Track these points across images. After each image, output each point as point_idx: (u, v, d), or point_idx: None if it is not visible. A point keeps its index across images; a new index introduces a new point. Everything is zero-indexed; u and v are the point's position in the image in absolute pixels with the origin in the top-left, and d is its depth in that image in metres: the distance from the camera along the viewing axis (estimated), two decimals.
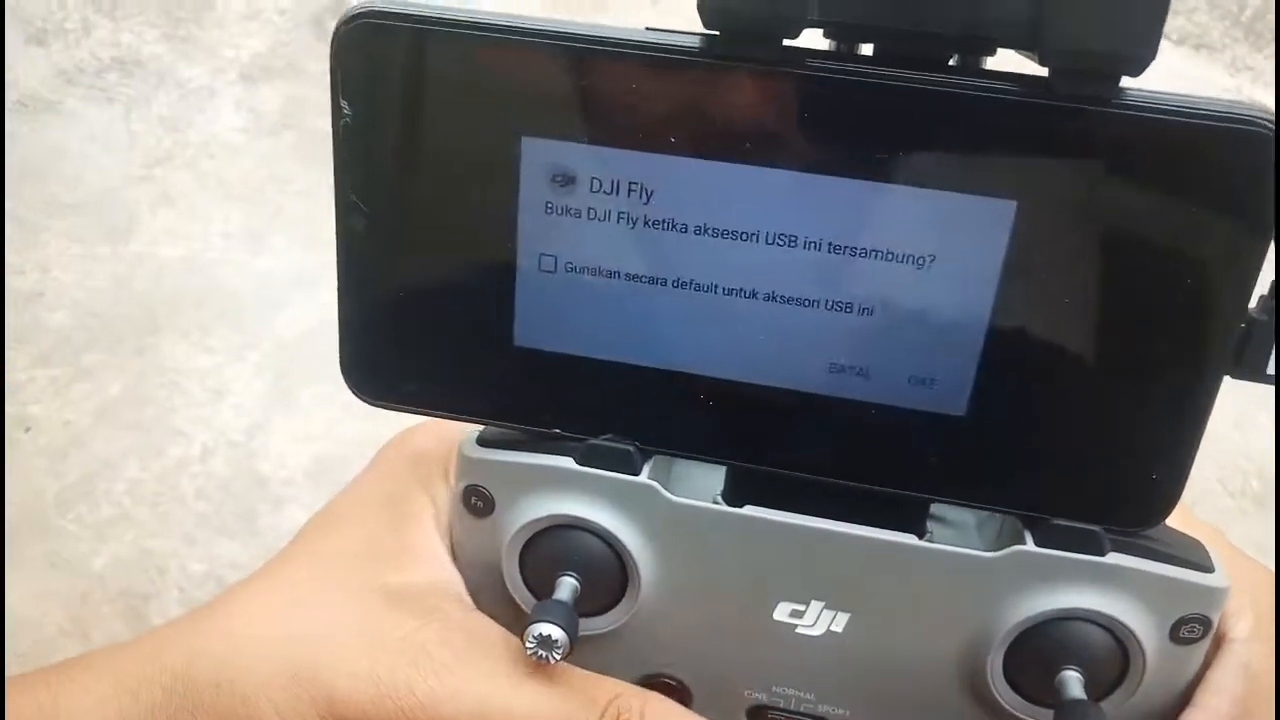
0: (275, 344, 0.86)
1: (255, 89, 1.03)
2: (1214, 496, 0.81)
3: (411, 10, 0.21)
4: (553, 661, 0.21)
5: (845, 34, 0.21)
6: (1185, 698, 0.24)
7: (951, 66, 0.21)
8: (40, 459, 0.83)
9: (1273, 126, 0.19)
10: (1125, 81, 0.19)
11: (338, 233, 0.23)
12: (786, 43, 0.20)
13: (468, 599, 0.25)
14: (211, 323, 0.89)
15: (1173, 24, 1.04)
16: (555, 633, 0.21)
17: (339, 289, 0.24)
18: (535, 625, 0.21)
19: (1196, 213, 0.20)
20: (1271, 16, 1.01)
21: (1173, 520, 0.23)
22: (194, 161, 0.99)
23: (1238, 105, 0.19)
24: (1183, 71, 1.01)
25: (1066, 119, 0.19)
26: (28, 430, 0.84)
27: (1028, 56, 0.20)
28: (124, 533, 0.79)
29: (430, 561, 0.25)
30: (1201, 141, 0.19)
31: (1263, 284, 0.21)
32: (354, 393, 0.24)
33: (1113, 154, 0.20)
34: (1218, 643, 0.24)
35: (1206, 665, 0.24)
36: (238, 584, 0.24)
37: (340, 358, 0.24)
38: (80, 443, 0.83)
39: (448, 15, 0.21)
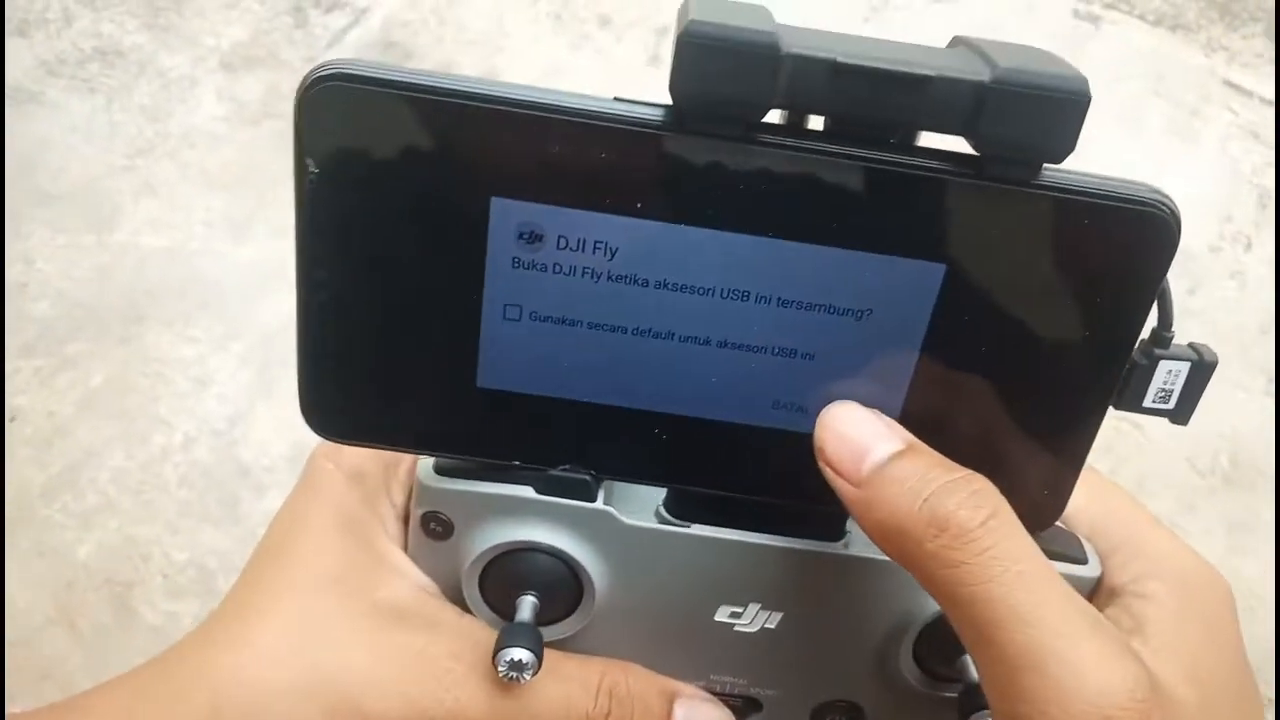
0: (258, 333, 0.87)
1: (236, 78, 1.03)
2: (1183, 474, 0.82)
3: (379, 74, 0.21)
4: (524, 681, 0.23)
5: (801, 111, 0.22)
6: None
7: (891, 143, 0.22)
8: (25, 449, 0.84)
9: (1170, 209, 0.22)
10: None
11: (299, 282, 0.24)
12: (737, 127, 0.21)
13: (449, 604, 0.26)
14: (194, 312, 0.90)
15: (1147, 5, 1.04)
16: (525, 656, 0.23)
17: (299, 333, 0.24)
18: (505, 651, 0.23)
19: (1097, 278, 0.23)
20: None
21: (1085, 485, 0.26)
22: (176, 151, 0.99)
23: (1141, 188, 0.22)
24: (1157, 52, 1.01)
25: (992, 197, 0.22)
26: (12, 420, 0.85)
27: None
28: (108, 521, 0.80)
29: (407, 572, 0.26)
30: (1108, 219, 0.22)
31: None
32: (315, 430, 0.25)
33: (1031, 227, 0.22)
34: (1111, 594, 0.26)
35: None
36: (242, 609, 0.25)
37: (300, 399, 0.25)
38: (65, 432, 0.84)
39: (415, 80, 0.21)
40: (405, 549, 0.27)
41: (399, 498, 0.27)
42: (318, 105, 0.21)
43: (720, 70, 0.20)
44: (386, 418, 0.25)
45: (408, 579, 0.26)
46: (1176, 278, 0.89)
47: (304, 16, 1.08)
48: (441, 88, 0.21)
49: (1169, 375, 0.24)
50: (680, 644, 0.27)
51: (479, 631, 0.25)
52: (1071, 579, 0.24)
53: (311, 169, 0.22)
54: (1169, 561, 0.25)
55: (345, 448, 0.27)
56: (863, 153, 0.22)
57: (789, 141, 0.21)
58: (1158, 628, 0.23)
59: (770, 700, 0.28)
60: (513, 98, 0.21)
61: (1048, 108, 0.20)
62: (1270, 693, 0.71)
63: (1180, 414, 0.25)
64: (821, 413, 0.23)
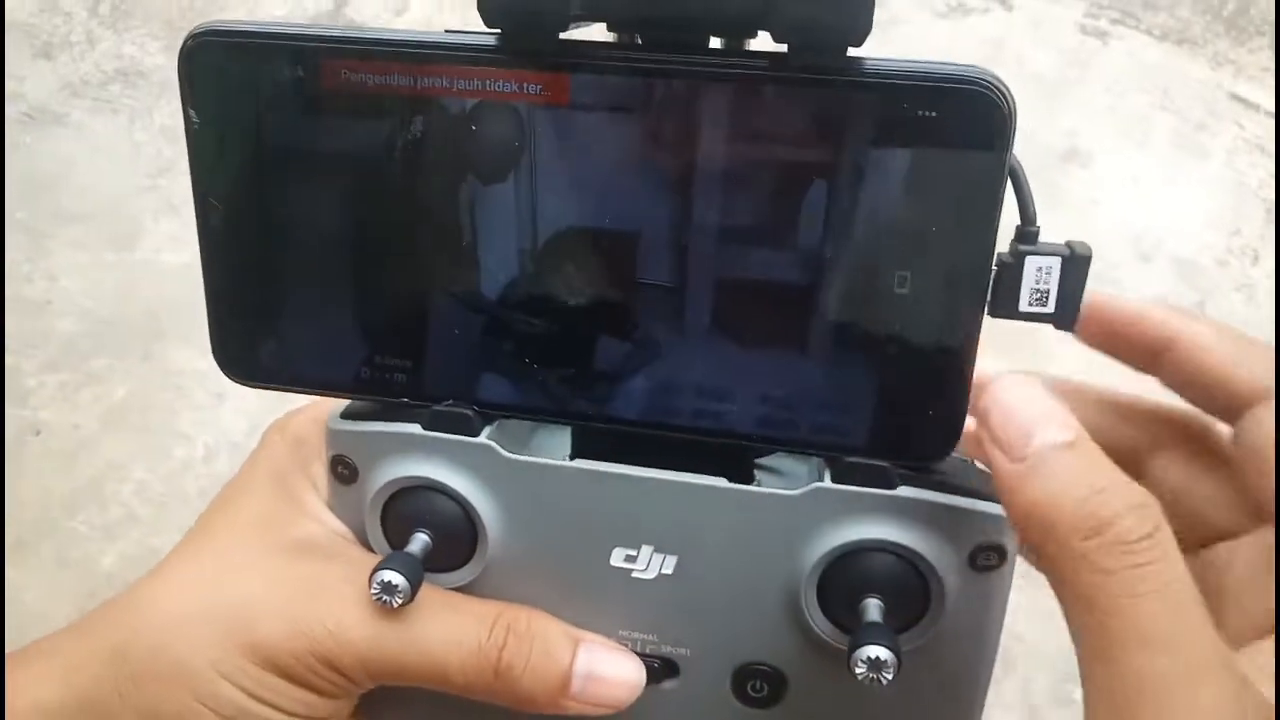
0: None
1: None
2: None
3: (237, 27, 0.23)
4: (394, 605, 0.23)
5: (614, 26, 0.23)
6: (995, 637, 0.25)
7: (712, 49, 0.22)
8: (50, 462, 0.86)
9: (996, 84, 0.21)
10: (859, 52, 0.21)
11: (198, 228, 0.25)
12: (562, 36, 0.22)
13: (358, 544, 0.27)
14: None
15: (1154, 19, 1.05)
16: (397, 579, 0.23)
17: (204, 279, 0.25)
18: (379, 572, 0.23)
19: (932, 169, 0.21)
20: (1254, 11, 1.01)
21: None
22: None
23: (961, 67, 0.21)
24: (1164, 67, 1.02)
25: (803, 87, 0.21)
26: (38, 434, 0.87)
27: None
28: (130, 532, 0.82)
29: (324, 517, 0.27)
30: (928, 101, 0.21)
31: (1009, 229, 0.23)
32: (225, 374, 0.26)
33: (852, 120, 0.21)
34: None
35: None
36: (161, 562, 0.26)
37: (212, 346, 0.26)
38: (88, 446, 0.86)
39: (273, 29, 0.23)
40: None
41: (326, 454, 0.28)
42: (194, 59, 0.23)
43: None
44: (283, 360, 0.26)
45: (323, 523, 0.27)
46: (1186, 291, 0.89)
47: None
48: (291, 33, 0.23)
49: (1040, 273, 0.22)
50: (582, 595, 0.26)
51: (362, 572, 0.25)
52: (989, 517, 0.23)
53: (194, 119, 0.24)
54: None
55: (293, 420, 0.29)
56: (666, 55, 0.22)
57: (604, 54, 0.22)
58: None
59: (686, 661, 0.26)
60: (356, 37, 0.23)
61: None
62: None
63: (1062, 317, 0.23)
64: (993, 380, 0.21)
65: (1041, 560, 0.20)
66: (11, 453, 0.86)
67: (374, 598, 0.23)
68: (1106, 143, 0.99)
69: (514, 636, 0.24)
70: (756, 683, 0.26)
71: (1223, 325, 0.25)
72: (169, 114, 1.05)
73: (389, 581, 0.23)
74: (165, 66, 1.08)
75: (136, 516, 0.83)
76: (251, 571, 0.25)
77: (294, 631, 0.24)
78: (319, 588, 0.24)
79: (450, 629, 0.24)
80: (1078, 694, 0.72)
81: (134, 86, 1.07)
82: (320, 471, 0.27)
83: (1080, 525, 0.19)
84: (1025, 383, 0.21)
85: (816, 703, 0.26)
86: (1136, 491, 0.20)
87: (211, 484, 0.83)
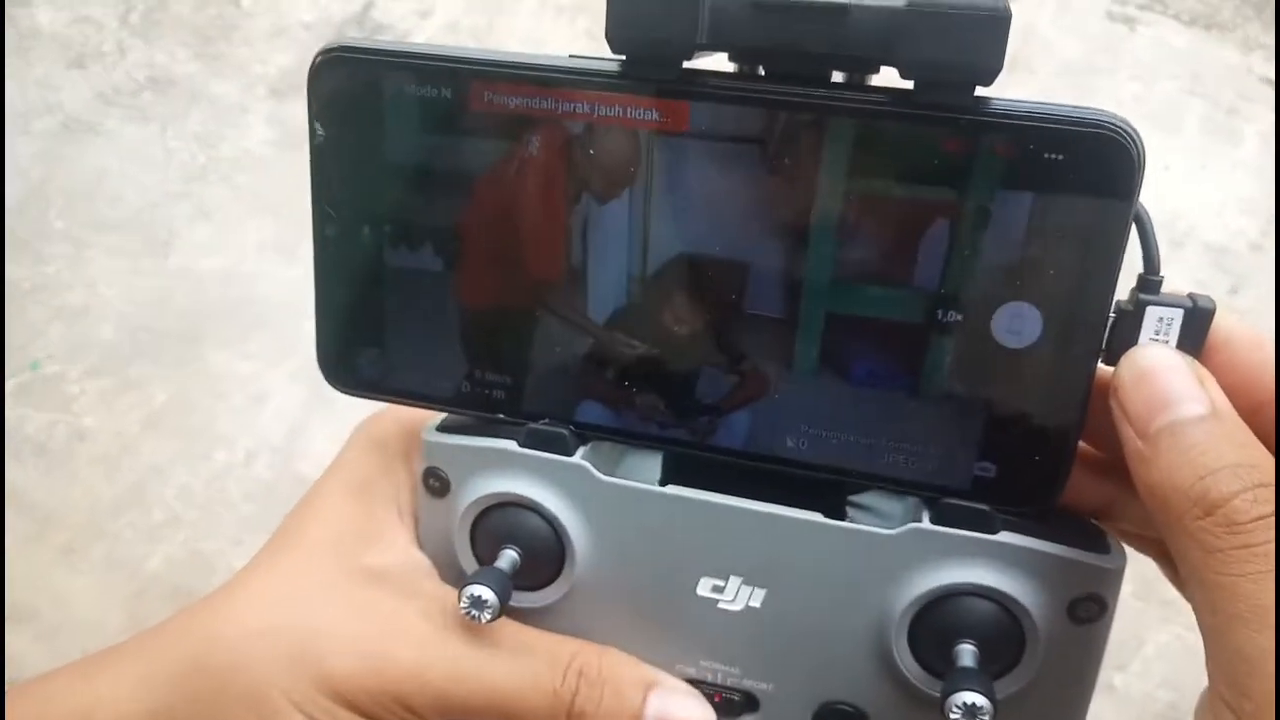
0: (310, 350, 0.90)
1: (285, 103, 1.06)
2: None
3: (369, 45, 0.24)
4: (483, 621, 0.23)
5: (737, 57, 0.23)
6: (1088, 690, 0.25)
7: (834, 83, 0.22)
8: (95, 467, 0.87)
9: (1124, 128, 0.20)
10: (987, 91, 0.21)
11: (314, 239, 0.25)
12: (686, 65, 0.22)
13: (438, 578, 0.27)
14: (249, 331, 0.92)
15: (1182, 4, 1.04)
16: (486, 594, 0.23)
17: (315, 290, 0.26)
18: (468, 587, 0.23)
19: (1055, 213, 0.21)
20: None
21: None
22: (228, 176, 1.02)
23: (1088, 110, 0.21)
24: (1193, 52, 1.01)
25: (929, 125, 0.21)
26: (81, 440, 0.89)
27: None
28: (175, 535, 0.83)
29: (401, 544, 0.27)
30: (1054, 144, 0.20)
31: (1130, 276, 0.22)
32: (329, 383, 0.26)
33: (977, 159, 0.21)
34: None
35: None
36: (241, 572, 0.27)
37: (317, 353, 0.26)
38: (131, 451, 0.87)
39: (396, 48, 0.23)
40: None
41: (419, 466, 0.28)
42: (322, 75, 0.24)
43: (647, 13, 0.21)
44: (385, 370, 0.26)
45: (398, 549, 0.27)
46: (1219, 277, 0.88)
47: None
48: (420, 53, 0.23)
49: (1160, 323, 0.22)
50: (665, 623, 0.26)
51: (453, 599, 0.24)
52: (1090, 569, 0.23)
53: (319, 132, 0.24)
54: None
55: (378, 422, 0.29)
56: (790, 88, 0.21)
57: (725, 82, 0.22)
58: None
59: (767, 696, 0.26)
60: (483, 59, 0.23)
61: (966, 26, 0.20)
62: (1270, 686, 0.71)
63: None
64: (1131, 350, 0.21)
65: (1166, 539, 0.20)
66: (60, 458, 0.87)
67: (463, 612, 0.23)
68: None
69: (585, 683, 0.24)
70: None
71: None
72: (199, 121, 1.06)
73: (479, 596, 0.23)
74: (195, 74, 1.09)
75: (180, 519, 0.84)
76: (324, 598, 0.25)
77: (367, 668, 0.24)
78: (394, 624, 0.25)
79: (525, 671, 0.24)
80: (1118, 680, 0.72)
81: (165, 94, 1.08)
82: (405, 477, 0.28)
83: (1192, 506, 0.19)
84: (1167, 351, 0.21)
85: None
86: (1257, 472, 0.19)
87: (253, 487, 0.85)
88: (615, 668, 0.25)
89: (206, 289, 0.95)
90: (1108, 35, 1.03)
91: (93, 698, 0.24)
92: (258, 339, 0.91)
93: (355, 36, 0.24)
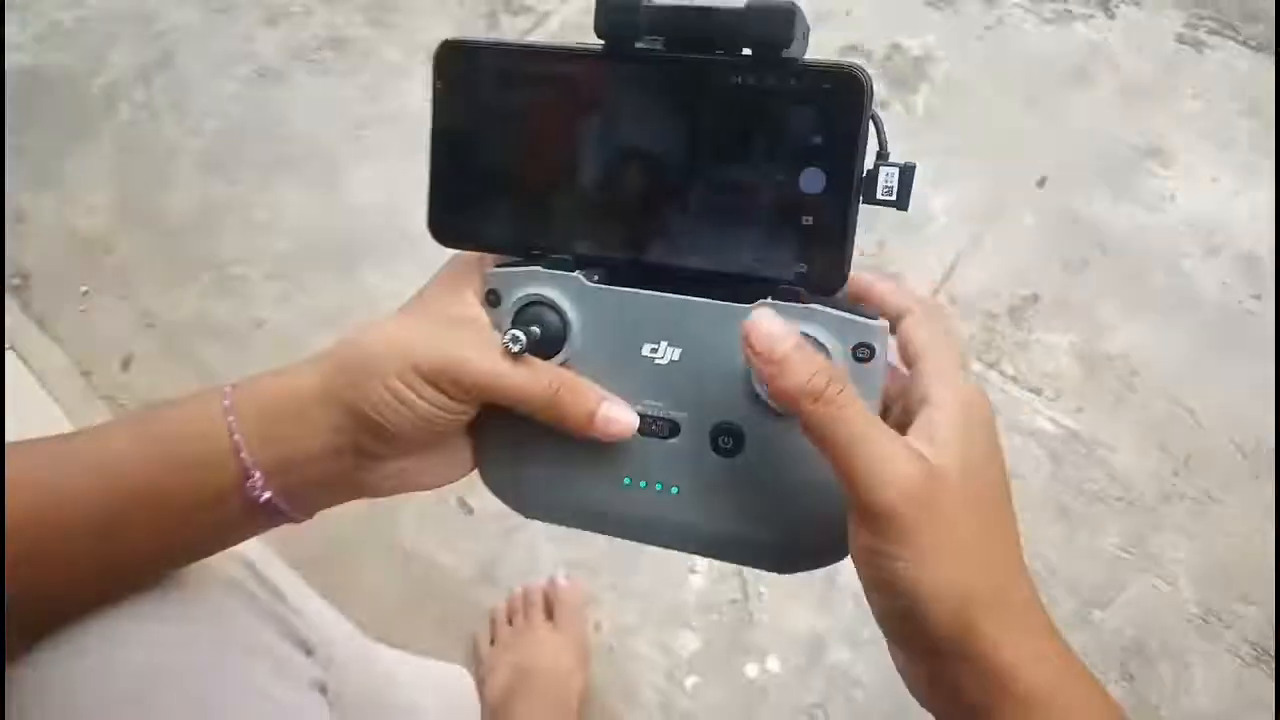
0: None
1: None
2: (1228, 455, 0.92)
3: (471, 39, 0.39)
4: (514, 350, 0.36)
5: (661, 41, 0.37)
6: (872, 408, 0.36)
7: (710, 54, 0.36)
8: (272, 352, 1.06)
9: (859, 69, 0.34)
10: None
11: (430, 148, 0.40)
12: (636, 45, 0.36)
13: (492, 329, 0.40)
14: (400, 256, 1.10)
15: (1252, 30, 1.12)
16: (521, 335, 0.37)
17: (430, 178, 0.40)
18: (511, 330, 0.37)
19: (829, 116, 0.35)
20: None
21: None
22: (390, 125, 1.20)
23: (843, 61, 0.35)
24: (1256, 75, 1.09)
25: (755, 72, 0.35)
26: (260, 327, 1.08)
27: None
28: None
29: (471, 307, 0.40)
30: (828, 79, 0.35)
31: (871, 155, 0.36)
32: (433, 237, 0.41)
33: (792, 90, 0.35)
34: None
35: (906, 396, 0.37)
36: (374, 319, 0.40)
37: (427, 218, 0.41)
38: (299, 341, 1.06)
39: (488, 41, 0.39)
40: None
41: (482, 287, 0.41)
42: (442, 53, 0.39)
43: (616, 17, 0.36)
44: (470, 229, 0.40)
45: (469, 309, 0.40)
46: (1244, 283, 1.00)
47: (496, 19, 1.28)
48: (492, 42, 0.38)
49: (887, 176, 0.36)
50: (622, 375, 0.39)
51: (496, 337, 0.38)
52: (864, 326, 0.36)
53: (437, 85, 0.40)
54: (957, 389, 0.36)
55: (461, 255, 0.43)
56: (698, 56, 0.36)
57: (649, 53, 0.37)
58: (943, 430, 0.34)
59: (684, 421, 0.39)
60: (526, 45, 0.39)
61: (769, 16, 0.34)
62: (1269, 685, 0.82)
63: (900, 203, 0.36)
64: (751, 318, 0.34)
65: (796, 415, 0.33)
66: (240, 341, 1.07)
67: (504, 344, 0.37)
68: (1190, 144, 1.07)
69: (565, 389, 0.38)
70: (725, 438, 0.39)
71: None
72: (369, 77, 1.24)
73: (516, 334, 0.37)
74: (368, 38, 1.28)
75: None
76: (420, 326, 0.39)
77: (441, 360, 0.37)
78: (460, 340, 0.38)
79: (532, 378, 0.37)
80: (1097, 615, 0.87)
81: (342, 53, 1.27)
82: (474, 279, 0.41)
83: (808, 395, 0.32)
84: (770, 316, 0.34)
85: (764, 452, 0.38)
86: (827, 368, 0.33)
87: None
88: (584, 385, 0.39)
89: (368, 218, 1.13)
90: (1175, 56, 1.12)
91: (294, 377, 0.39)
92: (407, 263, 1.08)
93: (465, 36, 0.40)
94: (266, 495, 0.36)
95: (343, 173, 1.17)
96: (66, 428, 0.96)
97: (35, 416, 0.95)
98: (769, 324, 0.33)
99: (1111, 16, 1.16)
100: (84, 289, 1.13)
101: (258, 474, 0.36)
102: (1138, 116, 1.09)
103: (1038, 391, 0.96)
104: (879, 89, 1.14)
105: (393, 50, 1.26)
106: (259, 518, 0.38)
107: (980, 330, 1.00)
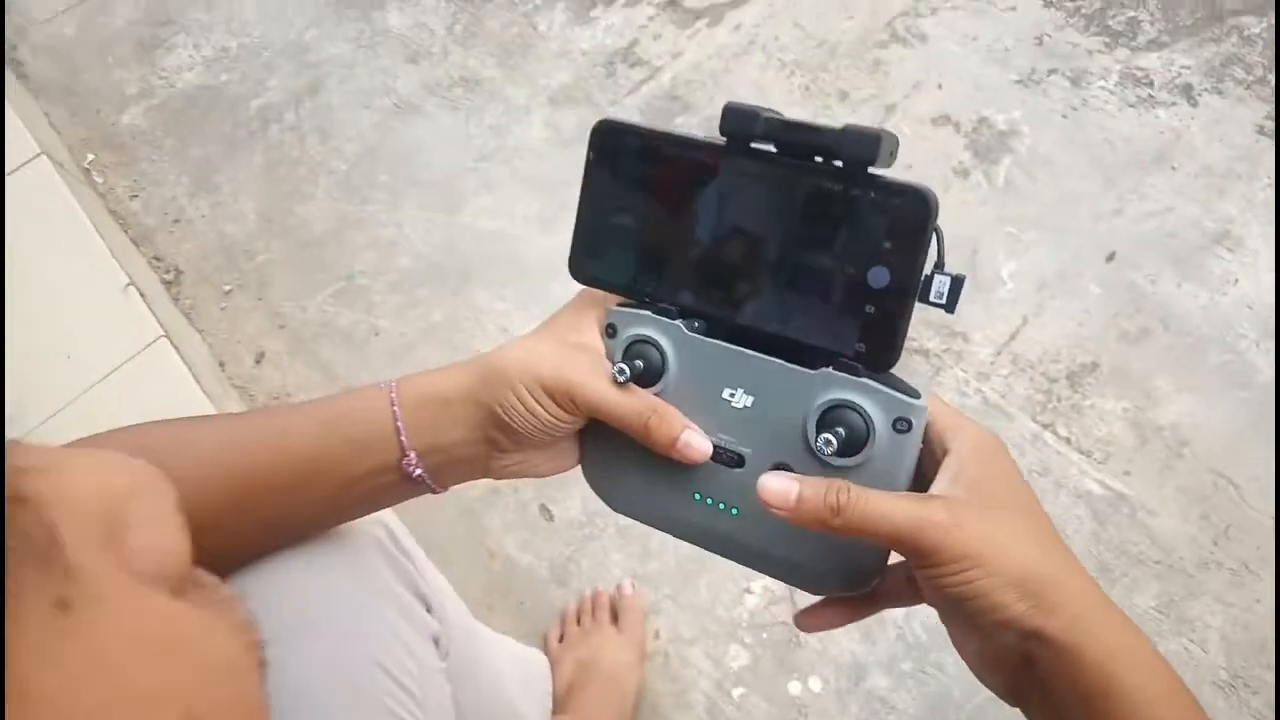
0: (551, 302, 1.15)
1: (559, 111, 1.35)
2: (1266, 531, 0.96)
3: (622, 120, 0.46)
4: (619, 380, 0.44)
5: (773, 145, 0.43)
6: (906, 471, 0.42)
7: (811, 161, 0.43)
8: (385, 358, 1.17)
9: (929, 191, 0.40)
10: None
11: (580, 201, 0.47)
12: (752, 145, 0.43)
13: (606, 357, 0.47)
14: (508, 280, 1.20)
15: None
16: (626, 368, 0.44)
17: (575, 228, 0.48)
18: (619, 363, 0.44)
19: (899, 224, 0.41)
20: None
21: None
22: (509, 160, 1.31)
23: (918, 182, 0.40)
24: None
25: (843, 181, 0.42)
26: (376, 335, 1.20)
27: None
28: None
29: (590, 336, 0.47)
30: (902, 194, 0.41)
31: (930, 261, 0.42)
32: (571, 274, 0.48)
33: (865, 198, 0.42)
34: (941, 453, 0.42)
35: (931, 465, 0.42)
36: (511, 340, 0.47)
37: (569, 260, 0.48)
38: (411, 350, 1.17)
39: (635, 124, 0.46)
40: None
41: (603, 321, 0.48)
42: (596, 130, 0.47)
43: (738, 122, 0.43)
44: (599, 273, 0.48)
45: (588, 338, 0.47)
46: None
47: (613, 69, 1.38)
48: (636, 125, 0.46)
49: (940, 283, 0.41)
50: (704, 410, 0.46)
51: (608, 366, 0.45)
52: (905, 403, 0.42)
53: (590, 155, 0.47)
54: (967, 433, 0.42)
55: (589, 290, 0.49)
56: (800, 161, 0.42)
57: (764, 156, 0.43)
58: (964, 466, 0.41)
59: (749, 456, 0.45)
60: (665, 131, 0.45)
61: (859, 138, 0.40)
62: (1270, 676, 0.86)
63: (949, 306, 0.41)
64: (759, 484, 0.40)
65: (827, 531, 0.39)
66: (356, 346, 1.19)
67: (612, 373, 0.45)
68: (1258, 230, 1.12)
69: (657, 416, 0.45)
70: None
71: None
72: (495, 115, 1.36)
73: (623, 368, 0.44)
74: (496, 78, 1.40)
75: None
76: (550, 348, 0.48)
77: (560, 378, 0.45)
78: (577, 362, 0.45)
79: (630, 403, 0.45)
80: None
81: (472, 91, 1.40)
82: (598, 312, 0.49)
83: (831, 514, 0.39)
84: (777, 477, 0.40)
85: None
86: (834, 485, 0.39)
87: None
88: (673, 414, 0.46)
89: (482, 243, 1.24)
90: (1253, 147, 1.17)
91: (441, 380, 0.48)
92: (513, 287, 1.19)
93: (618, 116, 0.46)
94: (419, 471, 0.46)
95: (464, 200, 1.29)
96: (210, 409, 1.10)
97: (183, 396, 1.09)
98: (774, 482, 0.40)
99: (1194, 104, 1.21)
100: (227, 288, 1.27)
101: (413, 454, 0.46)
102: (1211, 200, 1.14)
103: (1088, 454, 1.01)
104: (965, 158, 1.22)
105: (518, 92, 1.38)
106: (408, 488, 0.47)
107: (1038, 393, 1.06)
